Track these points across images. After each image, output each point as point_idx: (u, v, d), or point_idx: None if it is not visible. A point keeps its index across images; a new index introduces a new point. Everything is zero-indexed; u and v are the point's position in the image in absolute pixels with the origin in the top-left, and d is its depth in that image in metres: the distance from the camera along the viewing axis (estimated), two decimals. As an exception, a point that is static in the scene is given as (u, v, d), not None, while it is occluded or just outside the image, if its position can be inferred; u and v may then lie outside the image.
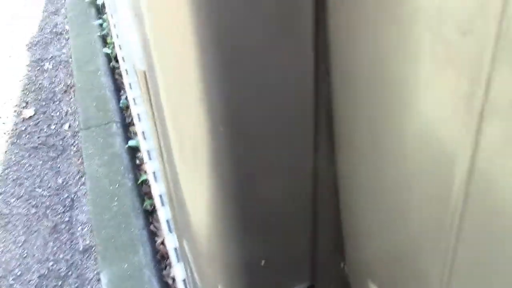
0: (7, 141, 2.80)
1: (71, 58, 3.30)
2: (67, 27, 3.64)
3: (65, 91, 3.11)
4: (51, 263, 2.19)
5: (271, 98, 0.77)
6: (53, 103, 3.04)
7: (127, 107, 2.80)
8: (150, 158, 2.37)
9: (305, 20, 0.71)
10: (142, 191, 2.38)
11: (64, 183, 2.54)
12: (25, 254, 2.23)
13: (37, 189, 2.53)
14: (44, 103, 3.05)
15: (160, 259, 2.10)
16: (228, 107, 0.76)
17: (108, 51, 3.24)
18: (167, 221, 2.08)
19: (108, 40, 3.33)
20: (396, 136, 0.67)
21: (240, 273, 0.97)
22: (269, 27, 0.70)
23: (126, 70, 2.93)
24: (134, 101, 2.73)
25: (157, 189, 2.22)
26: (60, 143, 2.78)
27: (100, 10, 3.66)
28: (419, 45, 0.56)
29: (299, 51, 0.74)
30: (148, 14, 0.75)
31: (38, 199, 2.47)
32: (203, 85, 0.73)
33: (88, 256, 2.19)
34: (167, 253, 2.02)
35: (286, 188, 0.89)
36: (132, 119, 2.68)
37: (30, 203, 2.46)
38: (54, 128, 2.87)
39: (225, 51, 0.70)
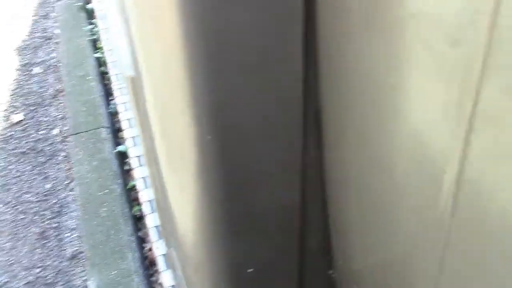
0: (-5, 146, 2.77)
1: (60, 62, 3.28)
2: (56, 31, 3.62)
3: (54, 96, 3.09)
4: (38, 270, 2.16)
5: (259, 105, 0.77)
6: (42, 108, 3.02)
7: (117, 112, 2.78)
8: (139, 164, 2.36)
9: (296, 25, 0.71)
10: (131, 197, 2.36)
11: (53, 188, 2.52)
12: (12, 261, 2.21)
13: (24, 195, 2.50)
14: (33, 108, 3.02)
15: (149, 266, 2.08)
16: (216, 113, 0.76)
17: (98, 56, 3.22)
18: (156, 227, 2.08)
19: (98, 45, 3.31)
20: (384, 144, 0.67)
21: (227, 280, 0.96)
22: (259, 34, 0.70)
23: (116, 75, 2.92)
24: (124, 106, 2.72)
25: (146, 195, 2.21)
26: (49, 148, 2.75)
27: (90, 15, 3.65)
28: (408, 54, 0.56)
29: (289, 57, 0.74)
30: (135, 10, 0.75)
31: (25, 205, 2.44)
32: (190, 91, 0.73)
33: (76, 262, 2.17)
34: (155, 260, 2.01)
35: (273, 194, 0.88)
36: (121, 125, 2.67)
37: (17, 209, 2.43)
38: (43, 133, 2.85)
39: (212, 57, 0.70)
